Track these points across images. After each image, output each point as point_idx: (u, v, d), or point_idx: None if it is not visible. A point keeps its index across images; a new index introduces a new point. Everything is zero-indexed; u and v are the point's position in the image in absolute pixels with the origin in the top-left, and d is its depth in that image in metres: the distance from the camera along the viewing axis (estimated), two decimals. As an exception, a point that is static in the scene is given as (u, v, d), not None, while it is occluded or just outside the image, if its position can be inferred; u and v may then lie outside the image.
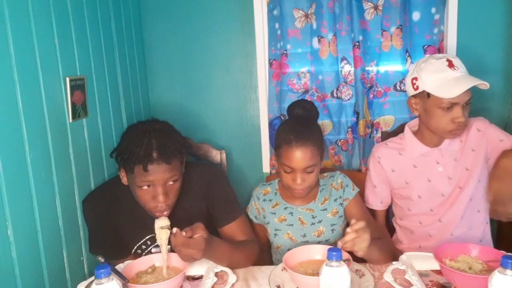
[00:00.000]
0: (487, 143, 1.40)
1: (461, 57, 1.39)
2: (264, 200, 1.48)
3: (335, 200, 1.43)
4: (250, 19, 2.02)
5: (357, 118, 2.02)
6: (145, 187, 1.19)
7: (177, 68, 2.10)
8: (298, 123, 1.37)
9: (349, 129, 2.04)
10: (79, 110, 1.33)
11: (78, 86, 1.31)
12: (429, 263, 1.19)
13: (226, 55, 2.08)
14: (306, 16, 2.01)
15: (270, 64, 2.02)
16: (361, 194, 1.49)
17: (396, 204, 1.56)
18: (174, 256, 1.18)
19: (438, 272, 1.16)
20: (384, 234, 1.56)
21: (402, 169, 1.48)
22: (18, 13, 1.05)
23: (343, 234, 1.46)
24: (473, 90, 1.37)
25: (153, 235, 1.20)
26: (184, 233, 1.06)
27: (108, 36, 1.62)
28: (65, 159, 1.25)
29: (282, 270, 1.20)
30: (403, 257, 1.24)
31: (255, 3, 2.00)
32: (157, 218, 1.18)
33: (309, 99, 2.02)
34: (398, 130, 1.78)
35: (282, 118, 2.06)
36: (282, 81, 2.06)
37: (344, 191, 1.43)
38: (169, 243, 1.16)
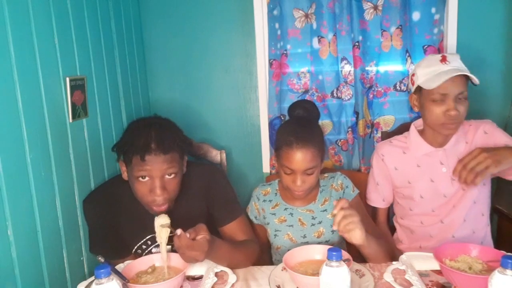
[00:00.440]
0: (493, 146, 1.40)
1: (461, 57, 1.40)
2: (264, 200, 1.48)
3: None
4: (250, 19, 2.02)
5: (357, 118, 2.02)
6: (142, 179, 1.19)
7: (177, 68, 2.10)
8: (299, 124, 1.36)
9: (349, 129, 2.04)
10: (79, 110, 1.33)
11: (78, 86, 1.31)
12: (429, 263, 1.19)
13: (226, 55, 2.08)
14: (306, 16, 2.01)
15: (270, 64, 2.02)
16: (361, 195, 1.49)
17: (397, 203, 1.55)
18: (174, 256, 1.19)
19: (438, 272, 1.16)
20: (385, 232, 1.56)
21: (405, 168, 1.47)
22: (18, 13, 1.05)
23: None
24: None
25: (153, 235, 1.20)
26: (188, 235, 1.06)
27: (108, 36, 1.62)
28: (65, 159, 1.25)
29: (282, 270, 1.20)
30: (403, 257, 1.24)
31: (255, 3, 2.00)
32: (154, 212, 1.18)
33: (309, 99, 2.02)
34: (398, 130, 1.78)
35: (282, 118, 2.06)
36: (282, 81, 2.06)
37: (344, 192, 1.43)
38: (169, 241, 1.16)
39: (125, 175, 1.26)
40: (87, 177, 1.39)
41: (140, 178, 1.19)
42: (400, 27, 1.95)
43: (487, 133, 1.41)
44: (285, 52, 2.03)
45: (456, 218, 1.43)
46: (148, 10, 2.05)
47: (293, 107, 1.45)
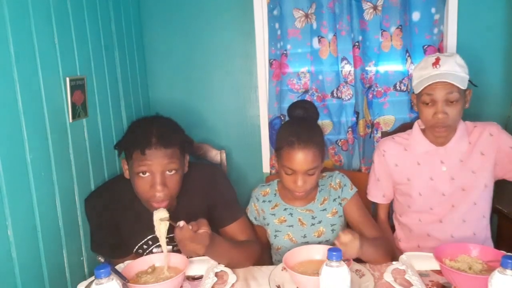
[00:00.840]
0: (498, 148, 1.40)
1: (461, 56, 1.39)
2: (264, 201, 1.48)
3: (334, 200, 1.43)
4: (250, 19, 2.02)
5: (357, 118, 2.02)
6: (143, 175, 1.18)
7: (177, 68, 2.10)
8: (299, 124, 1.36)
9: (349, 129, 2.04)
10: (79, 110, 1.33)
11: (78, 86, 1.31)
12: (429, 263, 1.19)
13: (226, 55, 2.08)
14: (306, 16, 2.01)
15: (270, 64, 2.02)
16: (361, 194, 1.49)
17: (397, 199, 1.56)
18: (174, 256, 1.19)
19: (438, 272, 1.16)
20: (385, 230, 1.56)
21: (406, 165, 1.48)
22: (18, 13, 1.05)
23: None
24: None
25: (154, 235, 1.20)
26: (190, 227, 1.07)
27: (108, 36, 1.62)
28: (65, 159, 1.25)
29: (282, 270, 1.20)
30: (403, 257, 1.24)
31: (255, 3, 2.00)
32: (154, 209, 1.18)
33: (309, 99, 2.02)
34: (398, 130, 1.78)
35: (282, 118, 2.06)
36: (282, 81, 2.06)
37: (342, 190, 1.43)
38: (170, 241, 1.16)
39: (127, 174, 1.26)
40: (87, 177, 1.39)
41: (141, 174, 1.19)
42: (400, 27, 1.95)
43: (492, 135, 1.41)
44: (285, 52, 2.03)
45: (455, 219, 1.43)
46: (148, 10, 2.05)
47: (292, 107, 1.45)
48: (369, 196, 1.59)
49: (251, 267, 1.27)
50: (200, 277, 1.20)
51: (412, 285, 1.08)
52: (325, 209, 1.43)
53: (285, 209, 1.45)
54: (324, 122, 2.07)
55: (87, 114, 1.39)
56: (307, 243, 1.40)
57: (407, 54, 1.96)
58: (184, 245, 1.08)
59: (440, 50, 1.97)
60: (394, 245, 1.56)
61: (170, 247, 1.26)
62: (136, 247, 1.35)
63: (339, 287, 0.93)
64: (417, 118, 1.92)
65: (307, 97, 2.06)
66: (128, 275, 1.11)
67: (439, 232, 1.45)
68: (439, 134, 1.38)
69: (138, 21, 2.01)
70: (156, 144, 1.16)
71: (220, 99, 2.12)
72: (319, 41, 2.00)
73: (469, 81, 1.36)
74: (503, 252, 1.10)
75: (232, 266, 1.23)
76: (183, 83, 2.11)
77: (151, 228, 1.18)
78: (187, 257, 1.20)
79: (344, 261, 0.94)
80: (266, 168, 2.14)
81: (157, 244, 1.34)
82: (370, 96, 2.04)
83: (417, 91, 1.38)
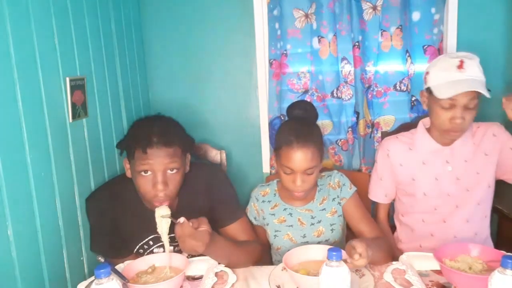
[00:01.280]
0: (500, 149, 1.40)
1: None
2: (263, 201, 1.48)
3: (333, 199, 1.43)
4: (250, 19, 2.02)
5: (357, 118, 2.02)
6: (144, 173, 1.19)
7: (177, 68, 2.10)
8: (298, 124, 1.36)
9: (349, 129, 2.04)
10: (79, 110, 1.33)
11: (78, 86, 1.31)
12: (429, 263, 1.19)
13: (226, 55, 2.08)
14: (306, 16, 2.01)
15: (270, 64, 2.02)
16: (360, 193, 1.49)
17: (399, 199, 1.55)
18: (174, 256, 1.19)
19: (438, 272, 1.16)
20: (385, 230, 1.56)
21: (410, 165, 1.47)
22: (18, 13, 1.05)
23: (343, 233, 1.47)
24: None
25: (155, 235, 1.20)
26: (191, 224, 1.07)
27: (108, 36, 1.62)
28: (65, 159, 1.25)
29: (282, 270, 1.20)
30: (403, 257, 1.24)
31: (255, 3, 2.00)
32: (156, 207, 1.18)
33: (309, 99, 2.02)
34: (398, 130, 1.78)
35: (282, 118, 2.06)
36: (282, 81, 2.06)
37: (341, 190, 1.43)
38: (171, 241, 1.16)
39: (128, 173, 1.27)
40: (87, 177, 1.39)
41: (143, 173, 1.19)
42: (400, 27, 1.95)
43: (496, 136, 1.41)
44: (285, 52, 2.03)
45: (459, 219, 1.43)
46: (148, 10, 2.05)
47: (291, 107, 1.45)
48: (371, 195, 1.58)
49: (251, 267, 1.27)
50: (200, 277, 1.20)
51: (412, 285, 1.08)
52: (324, 209, 1.43)
53: (285, 209, 1.45)
54: (324, 122, 2.07)
55: (87, 114, 1.39)
56: (306, 243, 1.40)
57: (407, 54, 1.96)
58: (183, 242, 1.08)
59: (440, 50, 1.97)
60: (394, 245, 1.56)
61: (172, 247, 1.26)
62: (137, 247, 1.35)
63: (339, 287, 0.93)
64: (417, 118, 1.93)
65: (307, 97, 2.06)
66: (128, 275, 1.11)
67: (442, 232, 1.45)
68: (452, 137, 1.37)
69: (138, 21, 2.01)
70: (158, 143, 1.17)
71: (220, 99, 2.12)
72: (319, 41, 2.00)
73: None
74: (503, 252, 1.10)
75: (233, 266, 1.23)
76: (183, 83, 2.11)
77: (151, 229, 1.18)
78: (187, 255, 1.20)
79: (344, 261, 0.94)
80: (266, 168, 2.14)
81: (158, 244, 1.34)
82: (370, 96, 2.04)
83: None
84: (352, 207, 1.42)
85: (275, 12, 1.98)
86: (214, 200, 1.37)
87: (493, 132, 1.41)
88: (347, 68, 2.02)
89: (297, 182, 1.31)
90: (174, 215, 1.16)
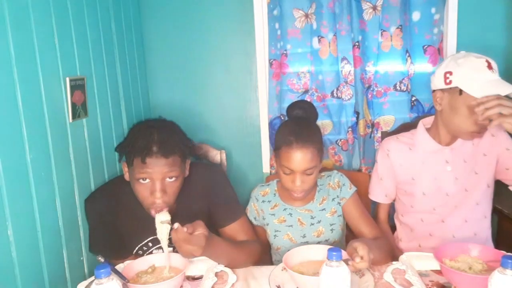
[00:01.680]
0: (498, 149, 1.40)
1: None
2: (263, 201, 1.48)
3: (333, 199, 1.43)
4: (250, 19, 2.02)
5: (357, 118, 2.02)
6: (143, 181, 1.19)
7: (177, 68, 2.10)
8: (298, 124, 1.36)
9: (349, 129, 2.04)
10: (79, 110, 1.33)
11: (78, 86, 1.31)
12: (429, 263, 1.19)
13: (226, 55, 2.08)
14: (306, 16, 2.01)
15: (270, 64, 2.02)
16: (360, 193, 1.49)
17: (399, 199, 1.55)
18: (174, 256, 1.19)
19: (438, 272, 1.16)
20: (385, 230, 1.56)
21: (410, 165, 1.47)
22: (18, 13, 1.05)
23: (343, 233, 1.48)
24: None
25: (155, 237, 1.20)
26: (185, 229, 1.07)
27: (108, 36, 1.62)
28: (65, 159, 1.25)
29: (282, 270, 1.20)
30: (403, 257, 1.24)
31: (255, 3, 2.00)
32: (154, 215, 1.18)
33: (309, 99, 2.02)
34: (398, 130, 1.78)
35: (282, 118, 2.06)
36: (282, 81, 2.06)
37: (341, 190, 1.43)
38: (170, 242, 1.16)
39: (127, 176, 1.26)
40: (87, 177, 1.39)
41: (141, 180, 1.19)
42: (400, 27, 1.95)
43: (494, 136, 1.41)
44: (285, 52, 2.03)
45: (458, 219, 1.43)
46: (148, 10, 2.05)
47: (291, 107, 1.45)
48: (371, 195, 1.58)
49: (251, 267, 1.27)
50: (200, 277, 1.20)
51: (412, 285, 1.08)
52: (324, 209, 1.43)
53: (285, 209, 1.45)
54: (324, 122, 2.07)
55: (87, 114, 1.39)
56: (306, 243, 1.40)
57: (407, 54, 1.96)
58: (180, 247, 1.08)
59: (440, 50, 1.97)
60: (394, 245, 1.56)
61: (171, 248, 1.26)
62: (136, 248, 1.35)
63: (339, 287, 0.93)
64: (417, 118, 1.93)
65: (307, 97, 2.06)
66: (128, 275, 1.11)
67: (441, 232, 1.45)
68: (471, 139, 1.36)
69: (138, 21, 2.01)
70: (157, 152, 1.16)
71: (220, 99, 2.12)
72: (319, 41, 2.00)
73: None
74: (503, 252, 1.10)
75: (233, 266, 1.23)
76: (183, 83, 2.11)
77: (151, 230, 1.18)
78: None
79: (344, 261, 0.94)
80: (266, 168, 2.14)
81: (157, 246, 1.34)
82: (370, 96, 2.04)
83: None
84: (351, 207, 1.42)
85: (275, 12, 1.98)
86: (213, 201, 1.37)
87: (491, 132, 1.42)
88: (347, 68, 2.02)
89: (297, 182, 1.31)
90: (174, 217, 1.17)
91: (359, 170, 2.06)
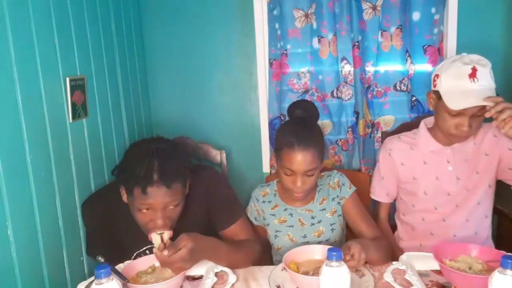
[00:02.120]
0: (500, 149, 1.40)
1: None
2: (264, 201, 1.48)
3: (333, 199, 1.43)
4: (250, 19, 2.02)
5: (357, 118, 2.02)
6: (145, 211, 1.16)
7: (177, 68, 2.10)
8: (299, 125, 1.36)
9: (349, 129, 2.04)
10: (79, 110, 1.33)
11: (78, 86, 1.31)
12: (429, 263, 1.19)
13: (226, 55, 2.08)
14: (306, 16, 2.01)
15: (270, 64, 2.02)
16: (360, 193, 1.49)
17: (400, 198, 1.56)
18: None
19: (438, 272, 1.16)
20: (385, 230, 1.56)
21: (412, 164, 1.47)
22: (18, 13, 1.05)
23: (343, 233, 1.48)
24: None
25: (152, 246, 1.18)
26: (165, 252, 1.04)
27: (108, 36, 1.62)
28: (65, 159, 1.25)
29: (282, 270, 1.20)
30: (403, 257, 1.24)
31: (255, 3, 2.00)
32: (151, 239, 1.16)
33: (309, 99, 2.02)
34: (398, 130, 1.78)
35: (282, 118, 2.06)
36: (282, 81, 2.06)
37: (341, 190, 1.43)
38: None
39: (125, 198, 1.22)
40: (87, 177, 1.39)
41: (143, 210, 1.16)
42: (400, 27, 1.96)
43: (496, 136, 1.41)
44: (285, 52, 2.03)
45: (459, 218, 1.43)
46: (148, 10, 2.05)
47: (292, 107, 1.44)
48: (373, 194, 1.59)
49: (251, 267, 1.27)
50: (200, 277, 1.20)
51: (412, 285, 1.08)
52: (324, 209, 1.43)
53: (285, 209, 1.45)
54: (324, 122, 2.08)
55: (87, 114, 1.39)
56: (307, 243, 1.40)
57: (407, 54, 1.96)
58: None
59: (440, 50, 1.97)
60: (394, 245, 1.56)
61: None
62: (134, 255, 1.33)
63: (339, 287, 0.93)
64: (417, 118, 1.94)
65: (307, 97, 2.06)
66: (128, 275, 1.11)
67: (442, 231, 1.45)
68: (456, 141, 1.38)
69: (138, 21, 2.01)
70: (158, 182, 1.12)
71: (220, 99, 2.12)
72: (319, 41, 2.00)
73: None
74: (503, 252, 1.10)
75: (233, 266, 1.23)
76: (183, 83, 2.12)
77: (148, 239, 1.16)
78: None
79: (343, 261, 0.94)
80: (266, 168, 2.14)
81: None
82: (370, 96, 2.04)
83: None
84: (351, 207, 1.42)
85: (275, 12, 1.98)
86: (212, 204, 1.36)
87: (493, 133, 1.42)
88: (347, 68, 2.02)
89: (298, 184, 1.31)
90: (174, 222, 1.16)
91: (359, 170, 2.06)
